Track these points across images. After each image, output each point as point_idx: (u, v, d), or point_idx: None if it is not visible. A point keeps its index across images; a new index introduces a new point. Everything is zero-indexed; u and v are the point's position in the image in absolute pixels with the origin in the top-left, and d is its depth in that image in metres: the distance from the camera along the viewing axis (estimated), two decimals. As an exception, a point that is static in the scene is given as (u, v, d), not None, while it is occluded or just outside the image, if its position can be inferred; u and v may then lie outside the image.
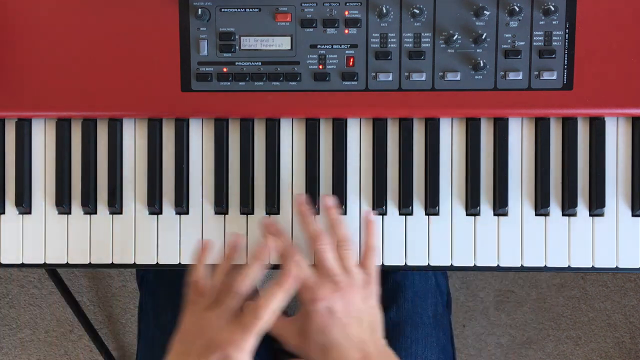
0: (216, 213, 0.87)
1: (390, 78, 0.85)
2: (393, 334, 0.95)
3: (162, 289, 0.99)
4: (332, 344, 0.77)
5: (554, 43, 0.84)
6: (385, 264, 0.87)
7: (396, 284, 0.97)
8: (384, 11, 0.83)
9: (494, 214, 0.87)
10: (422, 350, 0.94)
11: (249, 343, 0.73)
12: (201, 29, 0.85)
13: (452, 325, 1.03)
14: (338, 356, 0.76)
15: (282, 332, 0.81)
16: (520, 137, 0.87)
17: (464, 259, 0.87)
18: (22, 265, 0.88)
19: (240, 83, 0.85)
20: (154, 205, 0.87)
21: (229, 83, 0.85)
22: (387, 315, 0.96)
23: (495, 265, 0.87)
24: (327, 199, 0.84)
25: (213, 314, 0.76)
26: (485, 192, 0.87)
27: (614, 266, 0.86)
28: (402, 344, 0.94)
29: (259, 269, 0.79)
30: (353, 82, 0.85)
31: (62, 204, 0.87)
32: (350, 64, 0.85)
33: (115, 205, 0.87)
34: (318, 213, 0.87)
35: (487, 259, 0.87)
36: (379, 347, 0.78)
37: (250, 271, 0.78)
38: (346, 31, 0.85)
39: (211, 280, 0.80)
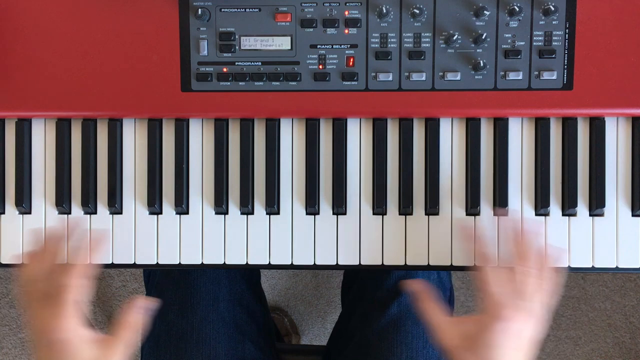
0: (216, 213, 0.87)
1: (390, 78, 0.85)
2: (394, 329, 0.95)
3: (169, 287, 0.99)
4: None
5: (554, 43, 0.84)
6: (385, 264, 0.87)
7: (398, 279, 0.98)
8: (384, 11, 0.83)
9: (494, 214, 0.87)
10: (422, 346, 0.94)
11: (65, 317, 0.73)
12: (201, 29, 0.85)
13: None
14: None
15: (443, 328, 0.80)
16: (520, 137, 0.87)
17: (464, 259, 0.87)
18: (22, 265, 0.88)
19: (240, 83, 0.85)
20: (154, 205, 0.87)
21: (229, 83, 0.85)
22: (389, 310, 0.96)
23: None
24: (538, 226, 0.84)
25: (30, 311, 0.76)
26: (485, 192, 0.87)
27: (614, 266, 0.86)
28: (402, 338, 0.94)
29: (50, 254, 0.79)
30: (353, 82, 0.85)
31: (62, 204, 0.87)
32: (350, 64, 0.85)
33: (115, 205, 0.87)
34: (318, 213, 0.87)
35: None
36: None
37: (42, 255, 0.79)
38: (346, 31, 0.85)
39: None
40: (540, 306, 0.78)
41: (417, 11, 0.83)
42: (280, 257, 0.87)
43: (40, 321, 0.74)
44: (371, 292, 1.00)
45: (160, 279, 1.00)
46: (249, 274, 1.05)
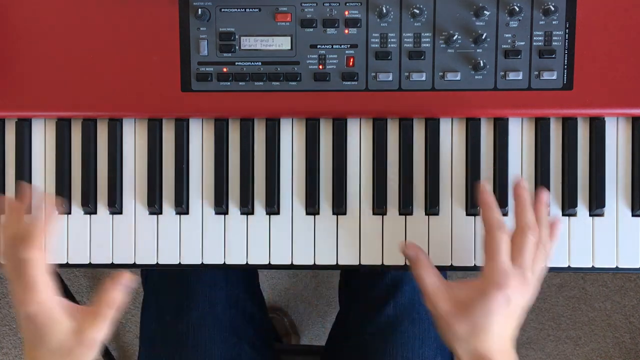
0: (216, 213, 0.87)
1: (390, 78, 0.85)
2: (390, 330, 0.95)
3: (166, 289, 0.99)
4: (487, 329, 0.75)
5: (554, 43, 0.84)
6: (385, 264, 0.87)
7: (394, 279, 0.97)
8: (384, 11, 0.83)
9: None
10: (419, 346, 0.94)
11: (34, 290, 0.72)
12: (201, 29, 0.85)
13: None
14: (484, 340, 0.75)
15: (436, 292, 0.78)
16: (520, 137, 0.87)
17: (464, 259, 0.87)
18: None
19: (240, 83, 0.85)
20: (154, 205, 0.87)
21: (229, 83, 0.85)
22: (385, 310, 0.96)
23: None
24: (544, 195, 0.82)
25: (10, 286, 0.75)
26: (485, 192, 0.86)
27: (614, 266, 0.86)
28: (399, 339, 0.94)
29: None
30: (353, 82, 0.85)
31: (62, 204, 0.87)
32: (350, 64, 0.85)
33: (115, 205, 0.87)
34: (318, 213, 0.87)
35: (487, 259, 0.86)
36: (511, 345, 0.78)
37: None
38: (346, 31, 0.85)
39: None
40: (537, 276, 0.78)
41: (417, 11, 0.83)
42: (280, 257, 0.87)
43: (15, 294, 0.74)
44: (367, 291, 1.00)
45: (157, 281, 1.00)
46: (247, 276, 1.05)
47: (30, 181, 0.88)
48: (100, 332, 0.75)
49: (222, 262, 0.87)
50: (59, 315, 0.73)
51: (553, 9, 0.83)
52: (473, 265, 0.87)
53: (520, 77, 0.84)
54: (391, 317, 0.96)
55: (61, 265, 0.88)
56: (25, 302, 0.73)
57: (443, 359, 0.96)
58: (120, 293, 0.77)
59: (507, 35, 0.84)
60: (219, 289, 0.97)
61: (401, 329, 0.95)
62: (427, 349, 0.95)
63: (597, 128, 0.86)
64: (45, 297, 0.73)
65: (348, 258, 0.87)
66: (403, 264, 0.87)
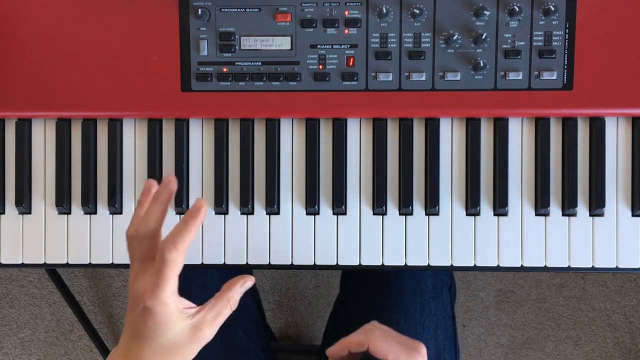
0: (216, 213, 0.87)
1: (390, 78, 0.85)
2: (391, 294, 0.97)
3: None
4: None
5: (554, 43, 0.84)
6: (386, 264, 0.87)
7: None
8: (384, 11, 0.83)
9: (494, 214, 0.87)
10: (419, 316, 0.96)
11: (165, 290, 0.70)
12: (201, 29, 0.85)
13: (453, 303, 1.04)
14: None
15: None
16: (520, 137, 0.87)
17: (464, 259, 0.87)
18: (22, 265, 0.88)
19: (240, 83, 0.85)
20: (154, 205, 0.87)
21: (229, 83, 0.85)
22: (387, 277, 0.98)
23: (495, 265, 0.87)
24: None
25: (133, 267, 0.74)
26: (485, 192, 0.87)
27: (614, 266, 0.86)
28: (399, 306, 0.97)
29: (158, 208, 0.74)
30: (353, 82, 0.85)
31: (62, 204, 0.87)
32: (350, 64, 0.85)
33: (115, 205, 0.87)
34: (318, 213, 0.87)
35: (487, 259, 0.87)
36: None
37: (150, 211, 0.74)
38: (346, 31, 0.85)
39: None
40: None
41: (417, 11, 0.83)
42: (280, 257, 0.87)
43: (139, 284, 0.71)
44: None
45: None
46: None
47: (30, 181, 0.88)
48: (215, 330, 0.74)
49: (222, 262, 0.87)
50: (177, 317, 0.72)
51: (553, 9, 0.83)
52: (473, 265, 0.87)
53: (520, 77, 0.84)
54: (393, 283, 0.97)
55: (61, 265, 0.88)
56: (151, 297, 0.70)
57: (442, 334, 0.97)
58: (239, 295, 0.75)
59: (507, 35, 0.84)
60: (210, 276, 0.98)
61: (404, 296, 0.97)
62: (428, 319, 0.96)
63: (597, 128, 0.86)
64: (170, 299, 0.71)
65: (348, 258, 0.87)
66: (403, 264, 0.87)
